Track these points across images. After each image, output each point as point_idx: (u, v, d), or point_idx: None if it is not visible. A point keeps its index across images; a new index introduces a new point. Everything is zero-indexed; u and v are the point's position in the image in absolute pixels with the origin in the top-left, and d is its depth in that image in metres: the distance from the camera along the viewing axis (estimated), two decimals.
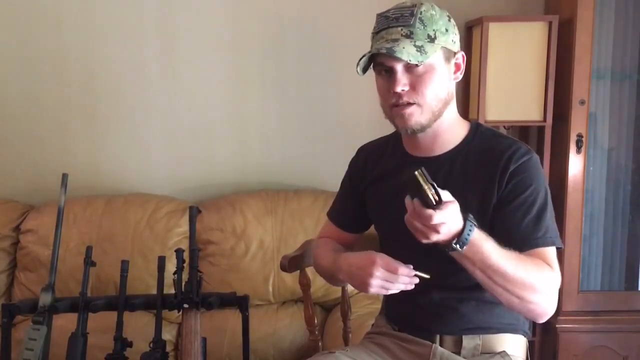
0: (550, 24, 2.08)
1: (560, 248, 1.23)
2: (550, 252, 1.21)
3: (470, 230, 1.07)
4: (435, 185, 1.03)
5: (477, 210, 1.23)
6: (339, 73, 2.36)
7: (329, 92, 2.38)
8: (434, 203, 1.02)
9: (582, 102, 2.08)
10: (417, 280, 1.18)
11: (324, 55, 2.36)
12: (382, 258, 1.18)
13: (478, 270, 1.12)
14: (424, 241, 1.08)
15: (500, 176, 1.23)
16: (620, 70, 2.23)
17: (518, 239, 1.19)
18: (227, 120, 2.39)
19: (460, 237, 1.07)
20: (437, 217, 1.03)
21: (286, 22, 2.33)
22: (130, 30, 2.31)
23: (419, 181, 1.02)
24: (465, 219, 1.08)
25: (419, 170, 1.02)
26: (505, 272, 1.12)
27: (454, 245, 1.08)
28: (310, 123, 2.40)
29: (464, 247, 1.08)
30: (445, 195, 1.04)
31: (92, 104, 2.36)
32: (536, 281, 1.14)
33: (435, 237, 1.06)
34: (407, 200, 1.06)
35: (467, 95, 2.24)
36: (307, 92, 2.38)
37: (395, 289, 1.18)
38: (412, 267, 1.18)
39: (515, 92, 2.13)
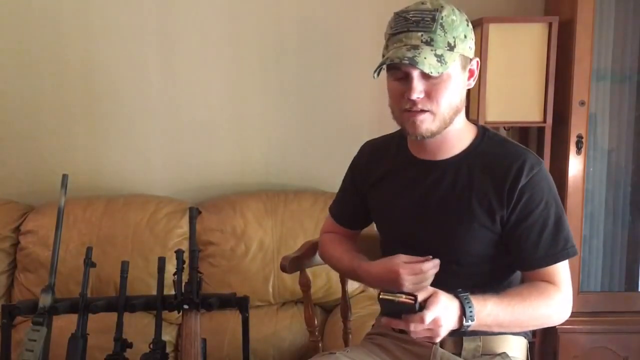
0: (550, 25, 2.08)
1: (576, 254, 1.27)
2: (562, 268, 1.23)
3: (469, 303, 1.11)
4: (404, 291, 1.10)
5: (483, 219, 1.24)
6: (339, 74, 2.36)
7: (330, 93, 2.38)
8: (415, 302, 1.06)
9: (582, 103, 2.08)
10: (438, 261, 1.21)
11: (324, 56, 2.36)
12: (404, 267, 1.19)
13: (496, 329, 1.17)
14: (438, 340, 1.10)
15: (509, 190, 1.22)
16: (620, 71, 2.23)
17: (538, 256, 1.23)
18: (227, 121, 2.39)
19: (465, 314, 1.10)
20: (429, 315, 1.06)
21: (286, 22, 2.33)
22: (130, 31, 2.31)
23: (388, 299, 1.08)
24: (456, 297, 1.11)
25: (381, 293, 1.09)
26: (518, 319, 1.17)
27: (466, 324, 1.10)
28: (310, 124, 2.40)
29: (475, 320, 1.11)
30: (422, 294, 1.08)
31: (92, 105, 2.36)
32: (547, 309, 1.20)
33: (443, 331, 1.08)
34: (400, 322, 1.08)
35: (467, 96, 2.23)
36: (307, 93, 2.38)
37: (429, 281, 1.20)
38: (430, 257, 1.21)
39: (515, 93, 2.13)
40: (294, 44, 2.35)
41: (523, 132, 2.39)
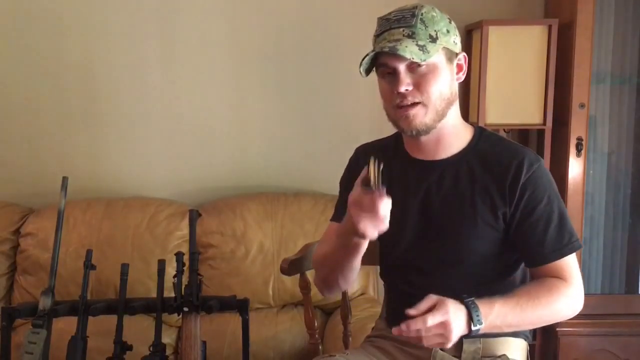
0: (550, 27, 2.08)
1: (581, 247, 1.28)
2: (571, 260, 1.24)
3: (475, 308, 1.11)
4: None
5: (486, 217, 1.24)
6: (339, 76, 2.35)
7: (330, 95, 2.38)
8: (380, 182, 1.06)
9: (582, 106, 2.08)
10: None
11: (324, 58, 2.36)
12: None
13: (507, 329, 1.18)
14: (449, 346, 1.10)
15: (510, 186, 1.23)
16: (620, 73, 2.23)
17: (545, 252, 1.23)
18: (227, 123, 2.39)
19: (472, 319, 1.10)
20: (431, 318, 1.06)
21: (286, 25, 2.34)
22: (130, 33, 2.31)
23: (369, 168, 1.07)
24: (462, 302, 1.11)
25: (371, 159, 1.08)
26: (528, 318, 1.18)
27: (475, 329, 1.11)
28: (310, 126, 2.40)
29: (484, 324, 1.11)
30: (427, 302, 1.09)
31: (92, 108, 2.36)
32: (557, 304, 1.20)
33: (454, 336, 1.08)
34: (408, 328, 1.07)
35: (467, 98, 2.25)
36: (307, 95, 2.38)
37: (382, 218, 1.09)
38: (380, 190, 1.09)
39: (515, 95, 2.14)
40: (294, 47, 2.35)
41: (523, 134, 2.39)
